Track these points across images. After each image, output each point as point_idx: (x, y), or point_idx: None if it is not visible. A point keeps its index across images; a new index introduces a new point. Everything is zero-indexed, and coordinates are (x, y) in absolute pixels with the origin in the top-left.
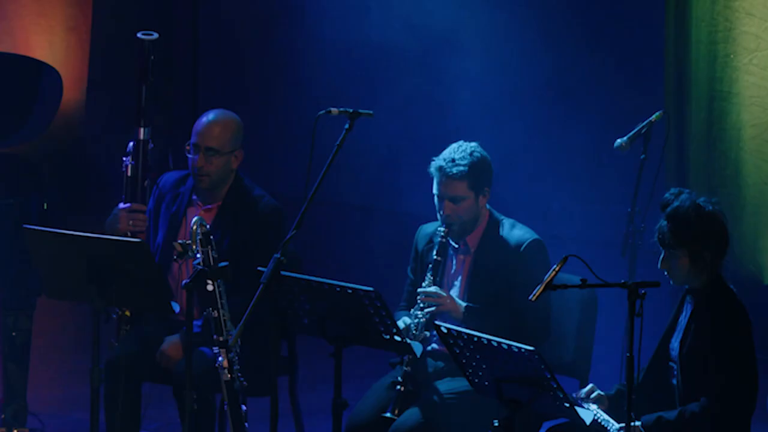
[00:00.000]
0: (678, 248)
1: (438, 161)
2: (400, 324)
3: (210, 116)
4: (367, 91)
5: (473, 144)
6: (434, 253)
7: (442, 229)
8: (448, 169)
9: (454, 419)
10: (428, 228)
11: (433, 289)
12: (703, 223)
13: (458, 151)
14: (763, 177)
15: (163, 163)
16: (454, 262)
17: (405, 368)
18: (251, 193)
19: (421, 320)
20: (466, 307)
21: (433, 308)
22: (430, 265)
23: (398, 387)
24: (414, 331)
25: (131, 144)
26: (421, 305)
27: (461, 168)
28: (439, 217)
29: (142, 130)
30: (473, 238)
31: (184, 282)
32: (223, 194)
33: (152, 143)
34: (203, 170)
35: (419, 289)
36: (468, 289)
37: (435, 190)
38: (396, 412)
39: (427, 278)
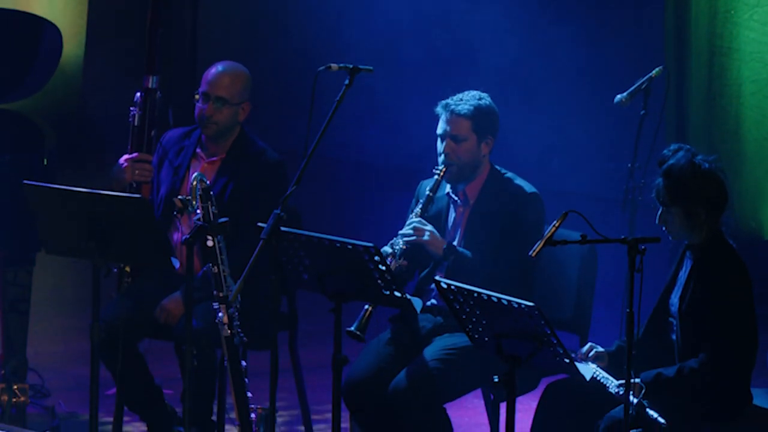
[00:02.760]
0: (672, 206)
1: (445, 100)
2: (386, 249)
3: (221, 67)
4: (368, 49)
5: (484, 93)
6: (428, 189)
7: (440, 167)
8: (454, 105)
9: (453, 375)
10: (429, 183)
11: (416, 219)
12: (698, 182)
13: (467, 94)
14: (764, 132)
15: (163, 119)
16: (454, 215)
17: None
18: (255, 146)
19: (400, 247)
20: (448, 244)
21: (413, 237)
22: (422, 200)
23: (366, 306)
24: (392, 258)
25: (139, 94)
26: (402, 234)
27: (467, 107)
28: (439, 160)
29: (150, 78)
30: (473, 189)
31: (183, 238)
32: (227, 147)
33: (160, 93)
34: (211, 119)
35: (407, 221)
36: (464, 238)
37: (438, 130)
38: (361, 325)
39: (415, 211)
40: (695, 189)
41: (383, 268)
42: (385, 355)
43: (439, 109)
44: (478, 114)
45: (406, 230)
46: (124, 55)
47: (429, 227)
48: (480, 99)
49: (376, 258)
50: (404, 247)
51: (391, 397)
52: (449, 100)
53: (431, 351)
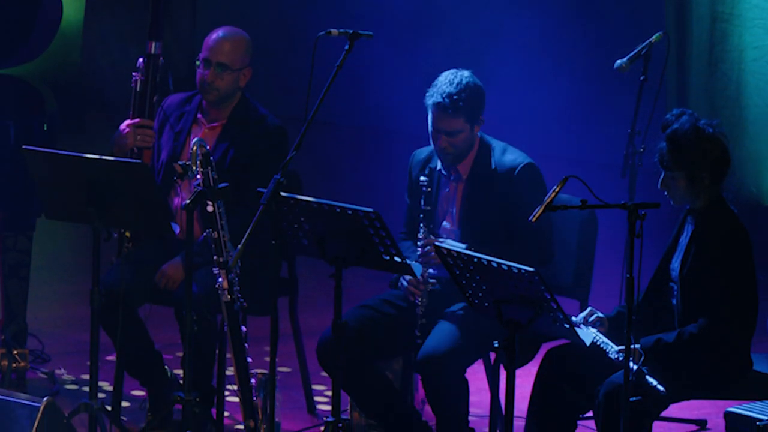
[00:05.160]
0: (677, 170)
1: (434, 96)
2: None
3: (221, 32)
4: (369, 12)
5: (466, 73)
6: (422, 202)
7: (437, 163)
8: (444, 104)
9: (472, 342)
10: (422, 154)
11: (427, 240)
12: (702, 146)
13: (453, 85)
14: (765, 99)
15: (163, 84)
16: (447, 190)
17: (421, 321)
18: (256, 112)
19: (426, 274)
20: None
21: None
22: (422, 216)
23: (418, 341)
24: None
25: (141, 59)
26: (421, 259)
27: (459, 105)
28: (433, 145)
29: (153, 44)
30: (464, 165)
31: (183, 203)
32: (228, 112)
33: (163, 59)
34: (213, 85)
35: (419, 242)
36: (462, 216)
37: (430, 126)
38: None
39: (421, 231)
40: (699, 153)
41: (383, 233)
42: (374, 315)
43: (428, 104)
44: (468, 106)
45: (422, 255)
46: (125, 20)
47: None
48: (467, 86)
49: (377, 223)
50: (426, 271)
51: (420, 366)
52: (438, 98)
53: (454, 319)
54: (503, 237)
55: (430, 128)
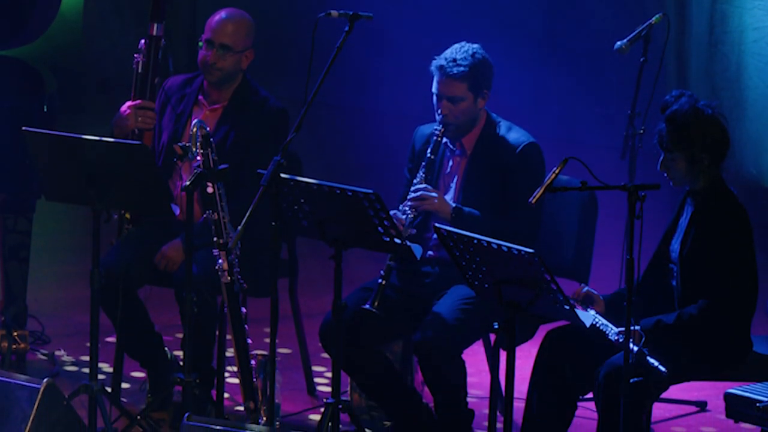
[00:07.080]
0: (676, 151)
1: (439, 60)
2: (398, 214)
3: (224, 14)
4: None
5: (475, 45)
6: (429, 151)
7: (439, 127)
8: (449, 69)
9: (471, 324)
10: (426, 129)
11: (422, 186)
12: (701, 127)
13: (460, 52)
14: (765, 80)
15: (163, 66)
16: (450, 164)
17: (389, 263)
18: (258, 94)
19: (409, 216)
20: (454, 207)
21: (421, 206)
22: (424, 163)
23: (380, 280)
24: (402, 226)
25: (143, 41)
26: (410, 202)
27: (462, 69)
28: (436, 116)
29: (155, 25)
30: (469, 140)
31: (183, 185)
32: (230, 94)
33: (164, 40)
34: (215, 66)
35: (412, 187)
36: (462, 191)
37: (434, 89)
38: (376, 304)
39: (419, 176)
40: (698, 134)
41: (383, 214)
42: (360, 299)
43: (432, 69)
44: (473, 73)
45: (413, 198)
46: (126, 1)
47: (435, 194)
48: (474, 55)
49: (377, 205)
50: (413, 215)
51: (416, 347)
52: (443, 62)
53: (450, 302)
54: (495, 213)
55: (434, 95)
